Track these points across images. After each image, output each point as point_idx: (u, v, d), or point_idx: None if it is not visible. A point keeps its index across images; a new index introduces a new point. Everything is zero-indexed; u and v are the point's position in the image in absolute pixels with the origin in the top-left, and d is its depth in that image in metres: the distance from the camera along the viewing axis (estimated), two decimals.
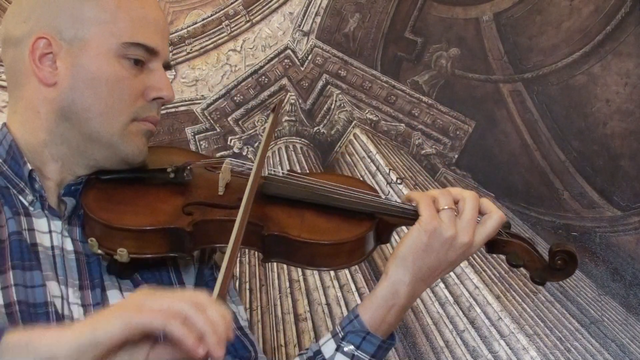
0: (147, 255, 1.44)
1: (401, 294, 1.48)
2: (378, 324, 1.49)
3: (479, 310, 2.42)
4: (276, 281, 2.60)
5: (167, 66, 1.51)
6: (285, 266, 2.61)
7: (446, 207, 1.46)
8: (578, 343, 2.32)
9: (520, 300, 2.40)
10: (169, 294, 1.11)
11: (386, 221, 1.51)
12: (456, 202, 1.48)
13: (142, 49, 1.45)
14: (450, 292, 2.45)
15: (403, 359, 2.45)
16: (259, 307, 2.59)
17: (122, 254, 1.40)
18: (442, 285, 2.46)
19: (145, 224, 1.42)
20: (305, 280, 2.59)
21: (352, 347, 1.49)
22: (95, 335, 1.06)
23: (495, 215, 1.49)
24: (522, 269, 1.55)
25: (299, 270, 2.60)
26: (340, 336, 1.50)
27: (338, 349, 1.50)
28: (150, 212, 1.44)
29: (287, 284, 2.60)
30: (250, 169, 1.48)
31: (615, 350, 2.29)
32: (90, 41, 1.43)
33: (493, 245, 1.54)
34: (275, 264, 2.61)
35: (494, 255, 2.35)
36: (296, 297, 2.58)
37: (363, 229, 1.48)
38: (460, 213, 1.47)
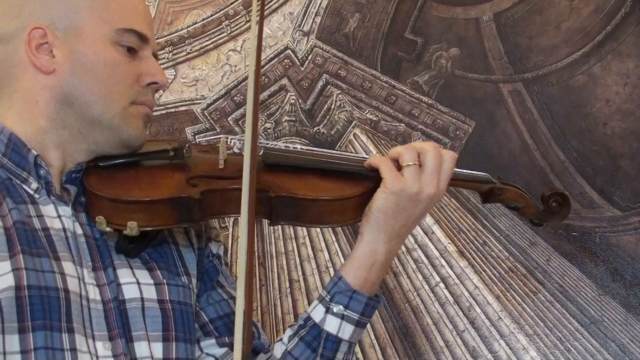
0: (157, 227, 1.46)
1: (379, 252, 1.52)
2: (362, 283, 1.53)
3: (479, 310, 2.42)
4: (276, 281, 2.60)
5: (155, 57, 1.55)
6: (285, 266, 2.60)
7: (410, 163, 1.50)
8: (578, 343, 2.32)
9: (520, 300, 2.39)
10: None
11: None
12: (418, 155, 1.52)
13: (135, 36, 1.49)
14: (450, 292, 2.45)
15: (403, 358, 2.45)
16: (259, 307, 2.59)
17: (132, 227, 1.42)
18: (442, 285, 2.46)
19: (153, 195, 1.45)
20: (305, 280, 2.59)
21: (340, 307, 1.52)
22: None
23: (447, 156, 1.53)
24: (519, 213, 1.61)
25: (299, 270, 2.60)
26: (328, 299, 1.54)
27: (327, 311, 1.53)
28: (156, 186, 1.48)
29: (287, 284, 2.60)
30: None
31: (615, 350, 2.29)
32: (85, 29, 1.47)
33: (489, 195, 1.60)
34: (275, 264, 2.61)
35: (493, 255, 2.36)
36: (296, 297, 2.58)
37: (365, 186, 1.53)
38: (423, 166, 1.51)
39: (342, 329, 1.53)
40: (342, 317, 1.52)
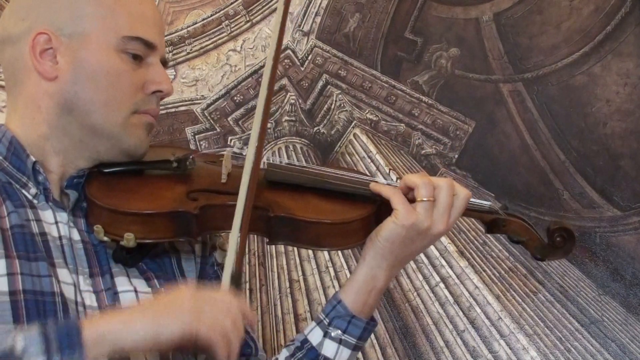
0: (154, 240, 1.45)
1: (380, 278, 1.52)
2: (361, 307, 1.52)
3: (479, 310, 2.42)
4: (276, 281, 2.60)
5: (164, 63, 1.53)
6: (285, 266, 2.61)
7: (425, 199, 1.48)
8: (578, 343, 2.32)
9: (520, 300, 2.40)
10: (215, 300, 1.26)
11: (388, 204, 1.52)
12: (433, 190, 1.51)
13: (141, 43, 1.47)
14: (450, 292, 2.45)
15: (403, 358, 2.45)
16: (259, 307, 2.59)
17: (129, 239, 1.40)
18: (442, 285, 2.46)
19: (151, 208, 1.43)
20: (305, 280, 2.59)
21: (339, 331, 1.52)
22: (158, 333, 1.21)
23: (462, 194, 1.51)
24: (522, 246, 1.58)
25: (299, 270, 2.60)
26: (326, 322, 1.53)
27: (325, 335, 1.53)
28: (156, 198, 1.46)
29: (287, 284, 2.60)
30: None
31: (615, 350, 2.29)
32: (90, 36, 1.45)
33: (493, 226, 1.57)
34: (275, 264, 2.61)
35: (493, 255, 2.35)
36: (296, 297, 2.58)
37: (366, 210, 1.51)
38: (436, 202, 1.49)
39: (340, 353, 1.52)
40: (340, 341, 1.52)
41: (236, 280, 1.32)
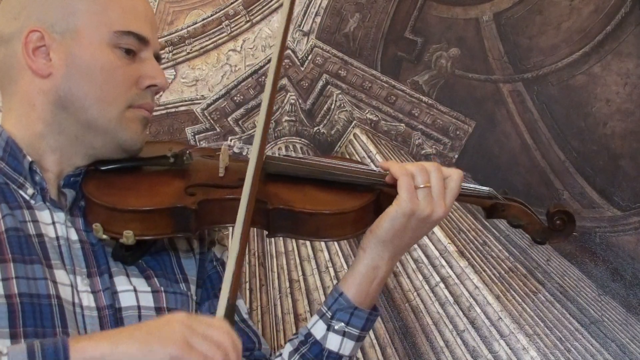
0: (153, 237, 1.45)
1: (381, 268, 1.51)
2: (363, 298, 1.52)
3: (479, 310, 2.42)
4: (276, 281, 2.60)
5: (157, 57, 1.53)
6: (285, 266, 2.61)
7: (422, 185, 1.48)
8: (578, 343, 2.32)
9: (520, 300, 2.39)
10: (205, 329, 1.20)
11: (387, 193, 1.52)
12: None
13: (134, 38, 1.47)
14: (450, 292, 2.45)
15: (403, 358, 2.45)
16: (259, 307, 2.59)
17: (128, 236, 1.41)
18: (442, 285, 2.46)
19: (150, 204, 1.43)
20: (305, 280, 2.59)
21: (342, 324, 1.52)
22: None
23: (455, 176, 1.51)
24: (522, 230, 1.58)
25: (299, 270, 2.60)
26: (329, 315, 1.53)
27: (329, 328, 1.53)
28: (154, 194, 1.46)
29: (287, 284, 2.60)
30: (249, 151, 1.51)
31: (615, 350, 2.29)
32: (83, 32, 1.45)
33: (492, 211, 1.57)
34: (275, 264, 2.61)
35: (493, 255, 2.34)
36: (296, 297, 2.58)
37: (365, 199, 1.50)
38: (431, 187, 1.49)
39: (343, 345, 1.53)
40: (344, 333, 1.52)
41: (230, 313, 1.27)
